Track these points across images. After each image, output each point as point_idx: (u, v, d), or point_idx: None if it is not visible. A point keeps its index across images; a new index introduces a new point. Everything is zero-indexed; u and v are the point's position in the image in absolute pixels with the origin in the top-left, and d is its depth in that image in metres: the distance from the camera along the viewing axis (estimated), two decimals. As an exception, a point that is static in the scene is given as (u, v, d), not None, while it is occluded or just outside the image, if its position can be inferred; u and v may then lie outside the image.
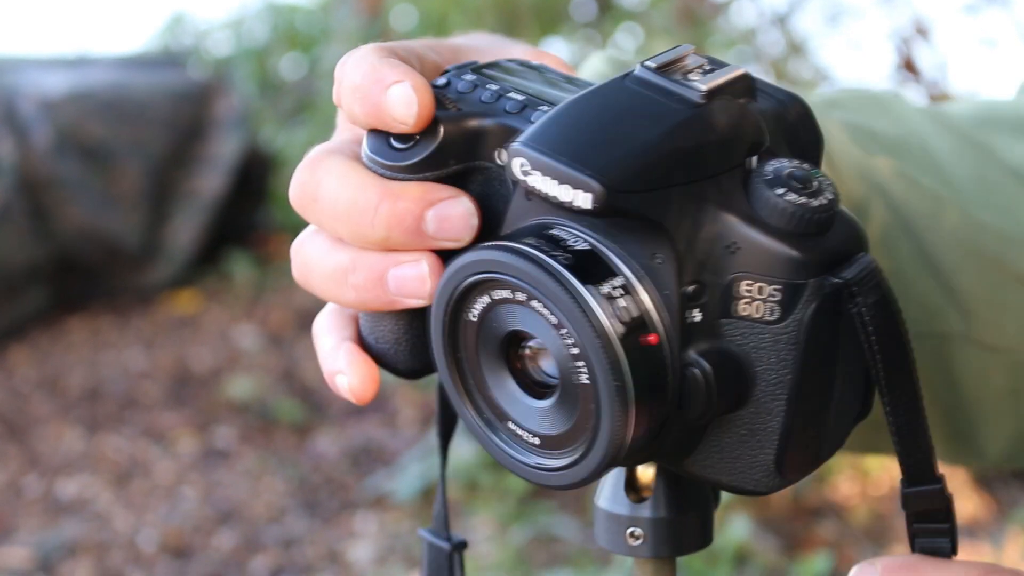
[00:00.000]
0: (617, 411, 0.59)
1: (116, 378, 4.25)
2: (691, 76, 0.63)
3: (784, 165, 0.61)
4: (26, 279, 4.63)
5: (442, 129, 0.66)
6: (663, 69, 0.63)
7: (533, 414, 0.63)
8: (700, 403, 0.61)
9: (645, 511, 0.69)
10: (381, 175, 0.66)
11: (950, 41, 3.62)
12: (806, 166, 0.62)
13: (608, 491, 0.71)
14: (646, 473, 0.70)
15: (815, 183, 0.60)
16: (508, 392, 0.64)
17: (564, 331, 0.60)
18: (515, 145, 0.62)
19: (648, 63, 0.63)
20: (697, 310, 0.61)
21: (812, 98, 0.84)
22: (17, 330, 4.56)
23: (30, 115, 4.78)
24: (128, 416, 4.00)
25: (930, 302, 0.90)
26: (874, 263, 0.60)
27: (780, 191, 0.60)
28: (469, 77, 0.68)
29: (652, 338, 0.60)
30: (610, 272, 0.61)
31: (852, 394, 0.64)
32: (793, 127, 0.64)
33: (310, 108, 6.37)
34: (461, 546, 0.77)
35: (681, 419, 0.62)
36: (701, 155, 0.61)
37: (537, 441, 0.63)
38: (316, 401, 3.97)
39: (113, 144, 4.92)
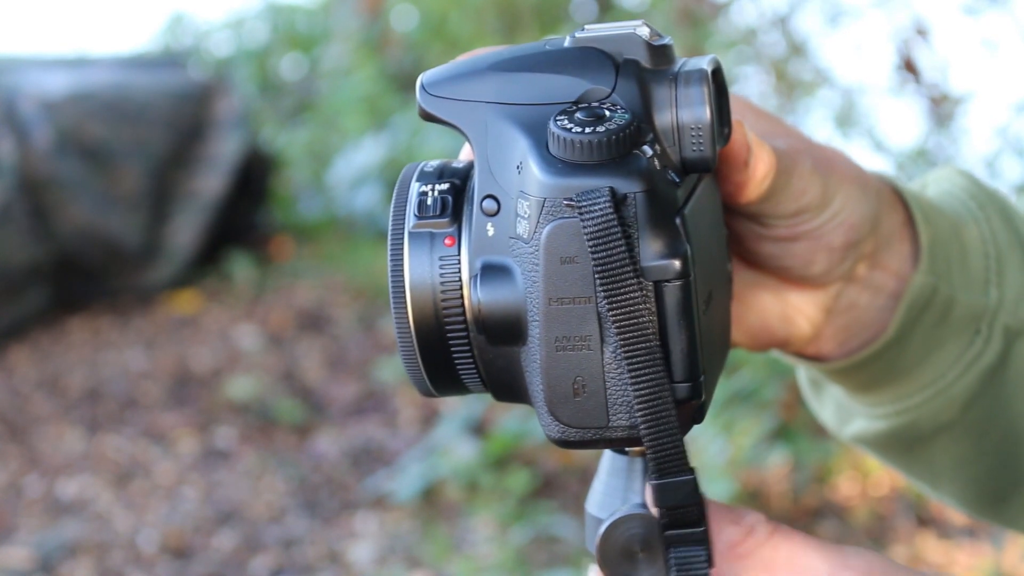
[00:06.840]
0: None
1: (116, 378, 4.25)
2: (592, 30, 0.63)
3: (599, 110, 0.60)
4: (26, 279, 4.63)
5: None
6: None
7: None
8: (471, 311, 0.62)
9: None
10: None
11: (950, 42, 3.62)
12: (620, 110, 0.60)
13: (598, 497, 0.70)
14: None
15: (605, 124, 0.59)
16: None
17: None
18: None
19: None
20: (490, 224, 0.61)
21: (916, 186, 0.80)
22: (17, 330, 4.56)
23: (30, 115, 4.78)
24: (128, 416, 4.00)
25: None
26: (607, 197, 0.57)
27: (567, 123, 0.59)
28: None
29: (448, 240, 0.62)
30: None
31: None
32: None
33: (310, 108, 6.38)
34: None
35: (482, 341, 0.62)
36: (522, 84, 0.61)
37: None
38: (316, 401, 3.96)
39: (113, 144, 4.93)
